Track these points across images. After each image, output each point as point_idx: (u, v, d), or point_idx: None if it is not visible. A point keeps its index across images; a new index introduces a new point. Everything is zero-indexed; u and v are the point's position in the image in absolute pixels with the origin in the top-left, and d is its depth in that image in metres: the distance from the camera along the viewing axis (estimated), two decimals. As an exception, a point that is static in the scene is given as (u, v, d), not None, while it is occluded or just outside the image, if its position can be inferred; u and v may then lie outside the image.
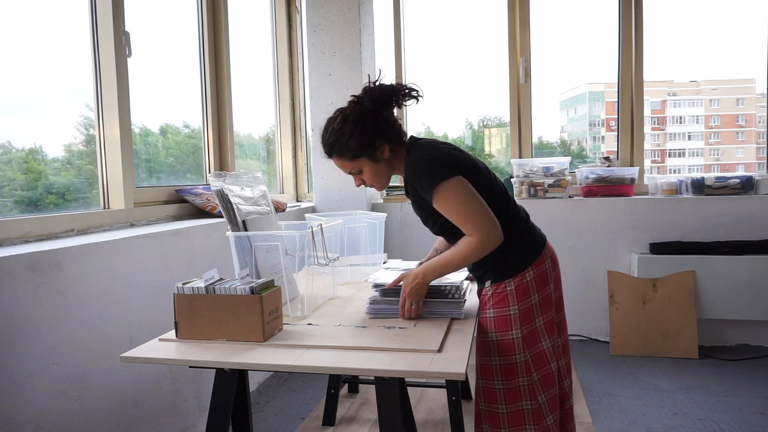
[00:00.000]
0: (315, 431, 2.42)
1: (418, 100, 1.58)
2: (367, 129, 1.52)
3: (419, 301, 1.52)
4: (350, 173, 1.61)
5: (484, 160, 4.34)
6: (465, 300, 1.59)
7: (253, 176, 1.81)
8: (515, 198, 3.61)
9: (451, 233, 1.54)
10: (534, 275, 1.53)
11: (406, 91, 1.56)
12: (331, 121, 1.57)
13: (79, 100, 2.17)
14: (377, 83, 1.55)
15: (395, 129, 1.57)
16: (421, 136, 1.69)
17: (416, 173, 1.50)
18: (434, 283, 1.55)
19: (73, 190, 2.13)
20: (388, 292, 1.58)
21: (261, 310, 1.36)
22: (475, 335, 1.48)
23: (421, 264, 1.66)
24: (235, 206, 1.62)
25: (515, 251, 1.54)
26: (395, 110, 1.61)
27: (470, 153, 1.60)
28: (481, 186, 1.49)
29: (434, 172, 1.46)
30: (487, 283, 1.57)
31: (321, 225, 1.70)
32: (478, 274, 1.60)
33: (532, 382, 1.51)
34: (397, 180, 3.36)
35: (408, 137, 1.62)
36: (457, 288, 1.57)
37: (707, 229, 3.37)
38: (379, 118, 1.54)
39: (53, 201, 2.04)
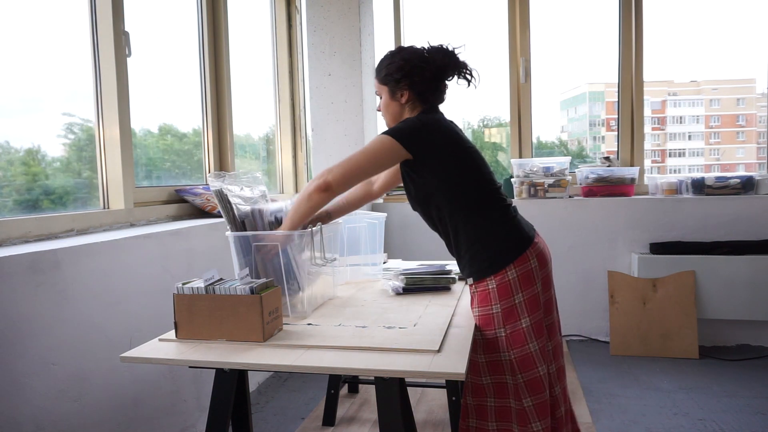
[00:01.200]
0: (315, 431, 2.42)
1: (468, 85, 1.65)
2: (402, 68, 1.59)
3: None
4: (376, 94, 1.72)
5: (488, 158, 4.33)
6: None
7: (252, 176, 1.81)
8: (515, 198, 3.62)
9: (421, 205, 1.60)
10: (517, 274, 1.50)
11: (466, 71, 1.63)
12: (398, 47, 1.67)
13: (79, 100, 2.17)
14: (453, 49, 1.62)
15: (425, 88, 1.61)
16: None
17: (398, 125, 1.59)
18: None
19: (73, 190, 2.13)
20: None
21: (261, 310, 1.36)
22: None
23: None
24: (234, 206, 1.62)
25: (494, 246, 1.52)
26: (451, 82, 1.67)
27: (464, 138, 1.60)
28: (450, 169, 1.52)
29: (394, 128, 1.54)
30: (470, 280, 1.57)
31: (321, 225, 1.70)
32: (461, 267, 1.62)
33: (517, 383, 1.49)
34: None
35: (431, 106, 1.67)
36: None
37: (707, 229, 3.37)
38: (420, 70, 1.59)
39: (53, 201, 2.04)
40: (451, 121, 1.63)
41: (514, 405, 1.51)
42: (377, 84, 1.68)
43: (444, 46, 1.61)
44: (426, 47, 1.62)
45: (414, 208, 1.65)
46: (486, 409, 1.54)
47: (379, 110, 1.71)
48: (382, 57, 1.67)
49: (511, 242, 1.53)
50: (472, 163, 1.55)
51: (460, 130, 1.62)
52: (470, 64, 1.63)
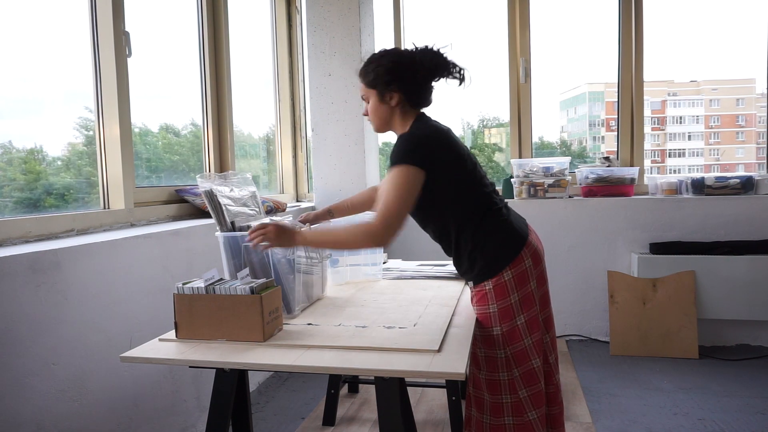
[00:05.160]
0: (315, 431, 2.42)
1: (460, 83, 1.61)
2: (392, 70, 1.56)
3: (266, 241, 1.50)
4: (361, 97, 1.66)
5: (487, 158, 4.35)
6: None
7: (242, 177, 1.81)
8: (515, 197, 3.62)
9: (420, 213, 1.60)
10: (512, 275, 1.54)
11: (455, 70, 1.59)
12: (383, 50, 1.63)
13: (79, 101, 2.17)
14: (438, 49, 1.58)
15: (416, 90, 1.59)
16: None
17: (396, 145, 1.53)
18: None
19: (73, 190, 2.13)
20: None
21: (261, 310, 1.36)
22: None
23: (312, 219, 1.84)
24: (224, 207, 1.62)
25: (490, 253, 1.55)
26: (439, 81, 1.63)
27: (460, 144, 1.58)
28: (447, 181, 1.51)
29: (403, 152, 1.48)
30: (470, 283, 1.61)
31: (309, 225, 1.70)
32: (460, 271, 1.64)
33: (513, 377, 1.54)
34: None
35: (421, 110, 1.65)
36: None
37: (707, 229, 3.37)
38: (412, 71, 1.57)
39: (53, 201, 2.04)
40: (443, 126, 1.60)
41: (508, 399, 1.55)
42: (363, 88, 1.63)
43: (431, 47, 1.58)
44: (413, 48, 1.60)
45: (412, 216, 1.63)
46: (482, 402, 1.59)
47: (365, 114, 1.67)
48: (367, 60, 1.62)
49: (506, 246, 1.56)
50: (466, 172, 1.54)
51: (451, 131, 1.60)
52: (459, 63, 1.60)
